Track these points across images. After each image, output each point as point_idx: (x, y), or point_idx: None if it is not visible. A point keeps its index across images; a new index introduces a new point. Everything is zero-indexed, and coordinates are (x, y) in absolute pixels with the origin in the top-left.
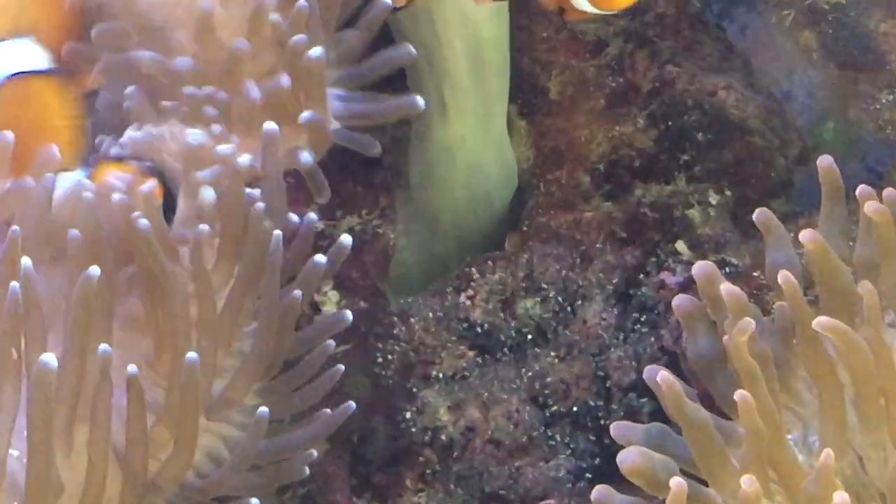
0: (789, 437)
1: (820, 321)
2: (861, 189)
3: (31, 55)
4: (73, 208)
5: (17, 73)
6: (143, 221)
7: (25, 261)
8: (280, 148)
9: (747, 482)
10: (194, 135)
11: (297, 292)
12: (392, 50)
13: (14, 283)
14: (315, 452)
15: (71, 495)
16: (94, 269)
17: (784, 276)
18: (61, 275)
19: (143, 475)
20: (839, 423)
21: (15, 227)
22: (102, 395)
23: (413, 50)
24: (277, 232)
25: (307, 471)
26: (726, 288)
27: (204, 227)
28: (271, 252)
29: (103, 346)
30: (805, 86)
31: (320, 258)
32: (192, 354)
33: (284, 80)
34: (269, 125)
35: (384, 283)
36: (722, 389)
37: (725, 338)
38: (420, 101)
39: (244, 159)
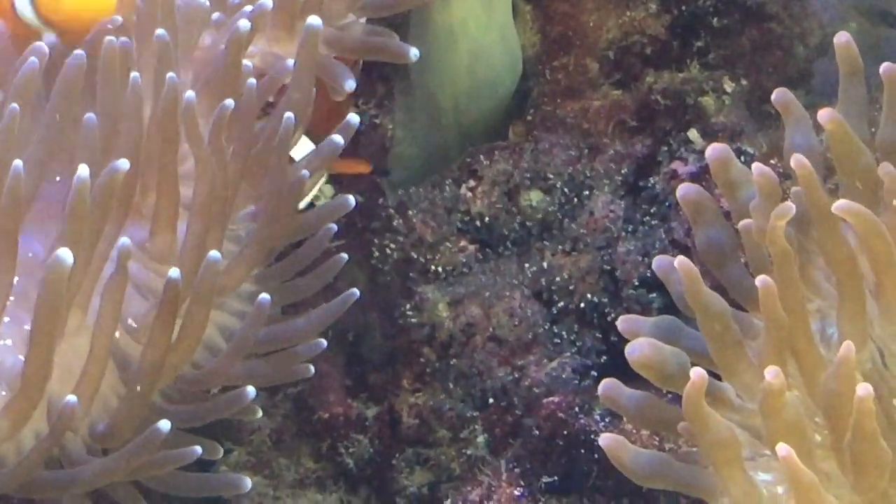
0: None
1: (839, 205)
2: (886, 66)
3: None
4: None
5: None
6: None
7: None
8: (317, 44)
9: (772, 373)
10: None
11: (305, 171)
12: None
13: (17, 162)
14: (324, 342)
15: (60, 381)
16: (124, 163)
17: (797, 160)
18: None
19: (153, 385)
20: (858, 314)
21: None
22: (116, 287)
23: None
24: (289, 113)
25: (312, 369)
26: (758, 167)
27: (230, 101)
28: (280, 133)
29: (124, 240)
30: None
31: (338, 137)
32: (214, 253)
33: None
34: (313, 19)
35: (382, 176)
36: (734, 280)
37: (742, 223)
38: None
39: (244, 24)
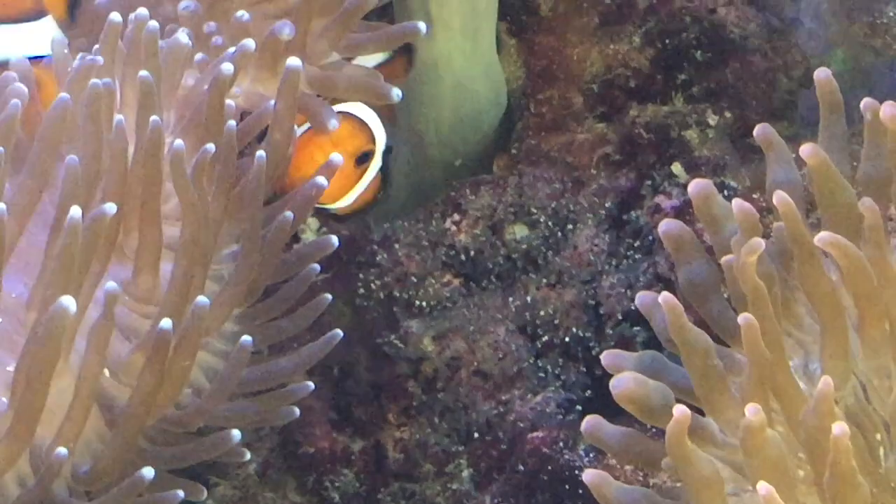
0: (790, 364)
1: (821, 237)
2: (866, 101)
3: None
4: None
5: None
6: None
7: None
8: (298, 84)
9: (752, 410)
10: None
11: (288, 213)
12: None
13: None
14: (311, 385)
15: (42, 422)
16: (111, 207)
17: (779, 197)
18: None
19: (139, 430)
20: (841, 349)
21: None
22: (102, 332)
23: None
24: (261, 152)
25: (297, 412)
26: (738, 203)
27: (210, 146)
28: (254, 172)
29: (111, 284)
30: (812, 8)
31: (321, 179)
32: (202, 299)
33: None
34: (293, 60)
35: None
36: (717, 315)
37: (725, 258)
38: (422, 25)
39: (227, 67)
